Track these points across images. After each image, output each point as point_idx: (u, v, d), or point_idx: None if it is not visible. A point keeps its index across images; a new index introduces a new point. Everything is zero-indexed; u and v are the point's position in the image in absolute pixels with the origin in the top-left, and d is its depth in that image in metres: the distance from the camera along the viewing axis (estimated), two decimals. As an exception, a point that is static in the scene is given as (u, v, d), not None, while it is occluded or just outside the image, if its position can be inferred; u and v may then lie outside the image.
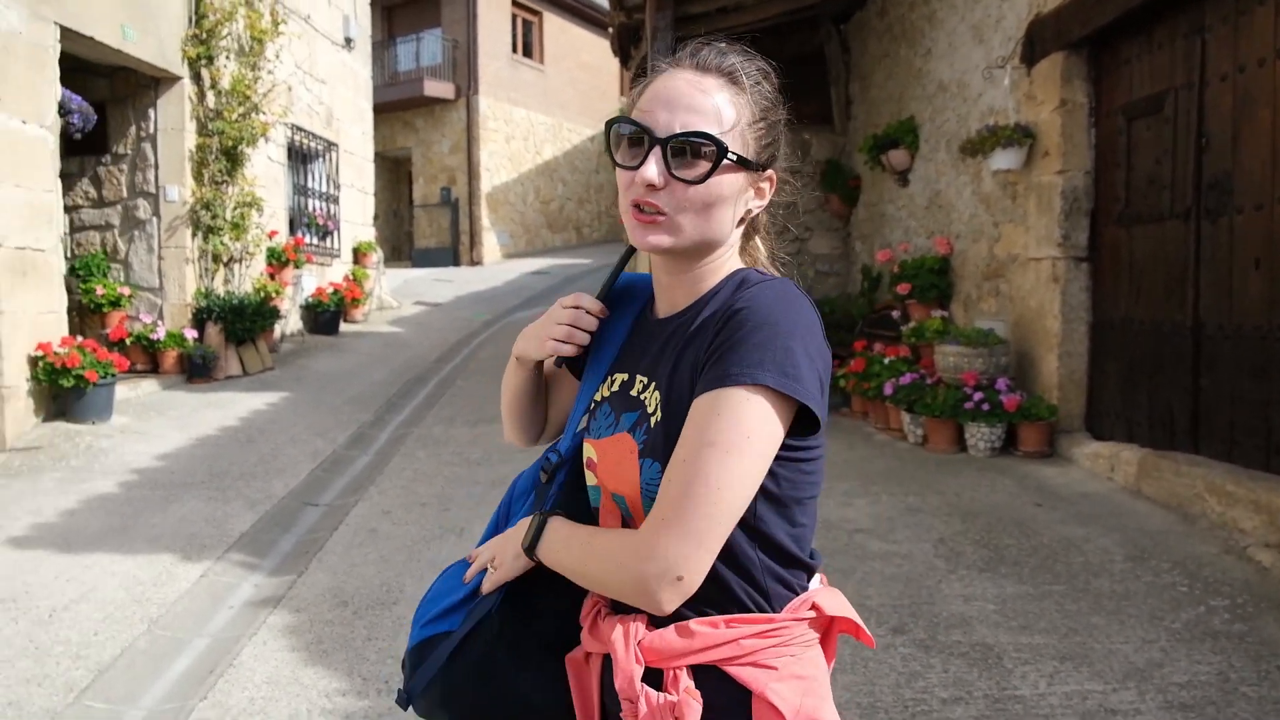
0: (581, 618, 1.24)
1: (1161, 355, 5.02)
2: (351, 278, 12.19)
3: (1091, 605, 3.63)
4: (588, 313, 1.27)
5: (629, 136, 1.14)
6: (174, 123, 8.52)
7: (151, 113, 8.50)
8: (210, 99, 8.74)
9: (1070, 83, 5.66)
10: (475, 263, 20.25)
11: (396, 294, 14.60)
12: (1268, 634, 3.35)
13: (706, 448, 1.01)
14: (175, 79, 8.45)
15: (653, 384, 1.16)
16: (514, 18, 21.29)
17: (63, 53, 6.92)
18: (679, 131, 1.09)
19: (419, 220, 21.46)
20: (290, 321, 10.63)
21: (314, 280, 11.34)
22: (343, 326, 11.56)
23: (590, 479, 1.23)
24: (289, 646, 3.49)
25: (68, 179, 8.37)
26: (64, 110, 6.88)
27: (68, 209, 8.60)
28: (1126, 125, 5.33)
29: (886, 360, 6.92)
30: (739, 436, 1.01)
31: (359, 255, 12.90)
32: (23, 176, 6.41)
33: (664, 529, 1.02)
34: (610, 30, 9.65)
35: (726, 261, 1.20)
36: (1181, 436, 4.88)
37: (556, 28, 22.59)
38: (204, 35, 8.55)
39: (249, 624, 3.72)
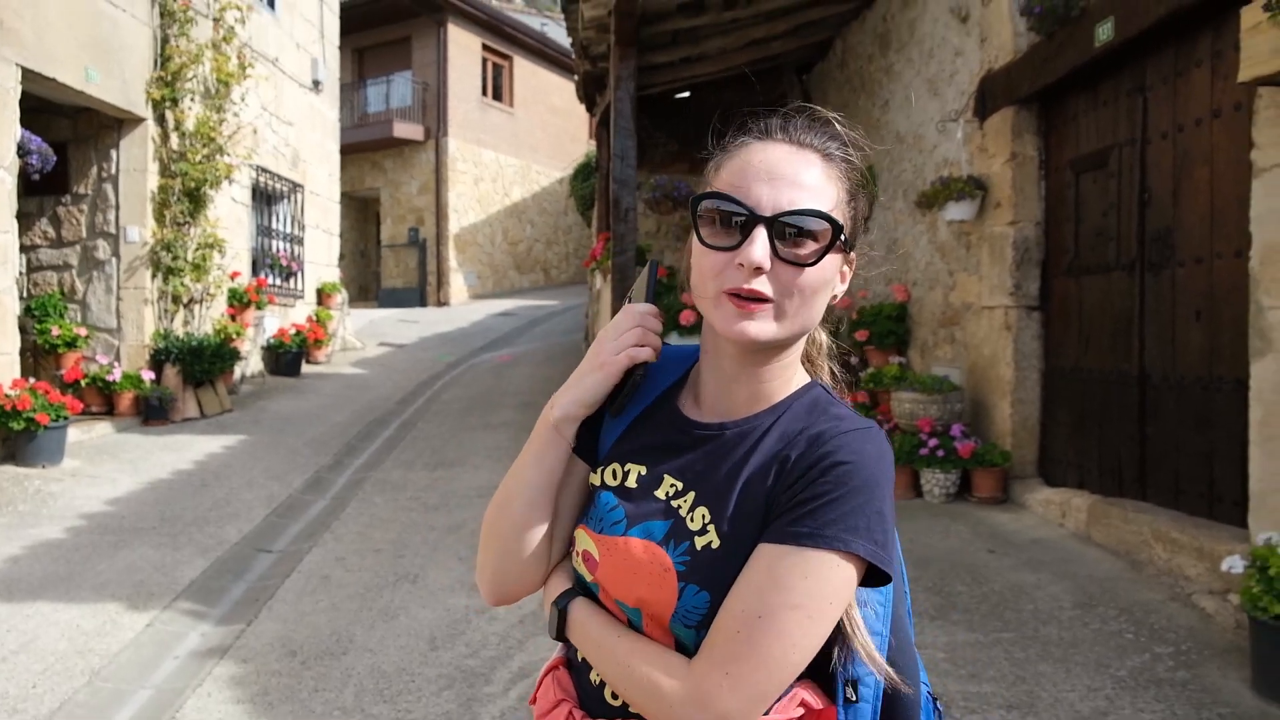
0: (537, 697, 1.18)
1: (1110, 404, 5.12)
2: (315, 319, 12.14)
3: (1040, 653, 3.67)
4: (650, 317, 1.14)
5: (723, 214, 1.03)
6: (136, 164, 8.49)
7: (114, 153, 8.48)
8: (174, 140, 8.73)
9: (1021, 137, 5.80)
10: (442, 303, 20.25)
11: (361, 334, 14.55)
12: (1210, 681, 3.39)
13: (790, 610, 0.95)
14: (139, 120, 8.44)
15: (693, 496, 1.07)
16: (484, 61, 21.52)
17: (24, 93, 6.90)
18: (790, 209, 1.01)
19: (386, 260, 21.45)
20: (251, 363, 10.54)
21: (276, 321, 11.28)
22: (305, 368, 11.48)
23: (582, 572, 1.12)
24: (234, 699, 3.44)
25: (26, 218, 8.32)
26: (23, 151, 6.84)
27: (25, 248, 8.53)
28: (1075, 179, 5.47)
29: (845, 406, 6.98)
30: (823, 603, 0.96)
31: (323, 296, 12.86)
32: (-22, 217, 6.37)
33: (728, 685, 0.95)
34: (576, 78, 9.78)
35: (795, 360, 1.13)
36: (1130, 484, 4.96)
37: (527, 71, 22.84)
38: (169, 78, 8.56)
39: (194, 675, 3.66)
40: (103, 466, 6.80)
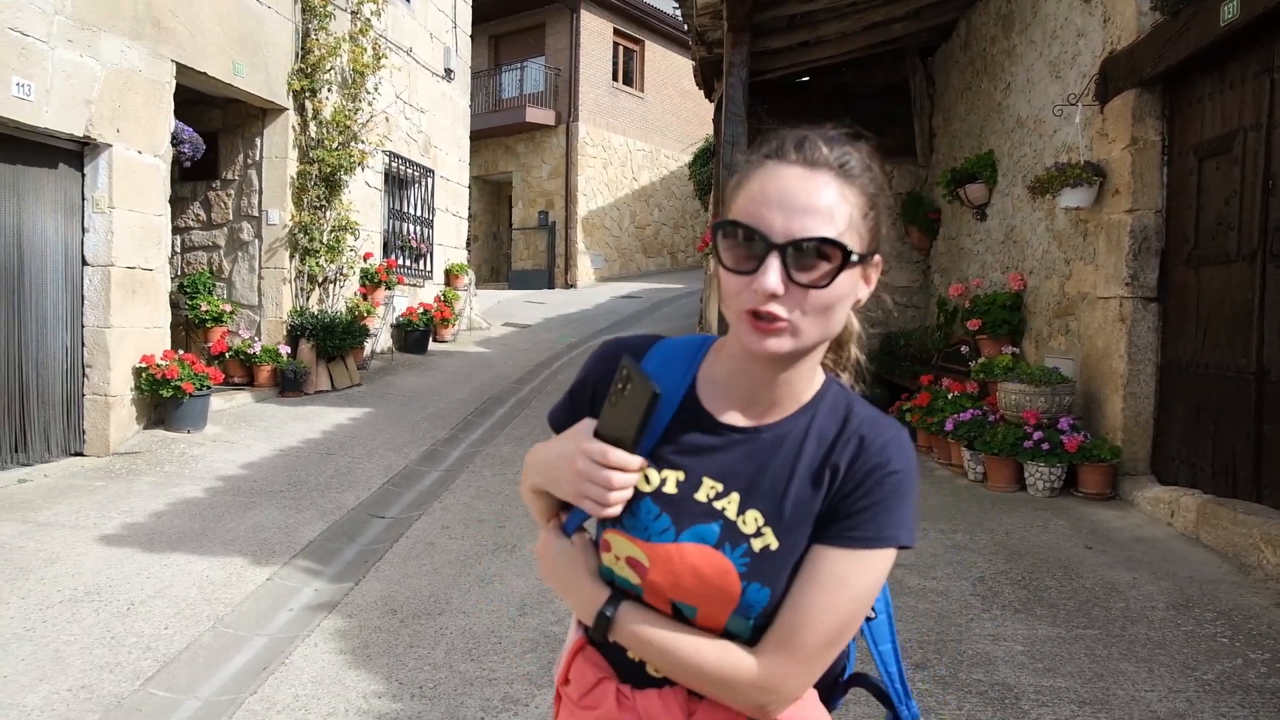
0: (565, 674, 1.27)
1: (1226, 400, 4.90)
2: (442, 298, 12.65)
3: (1123, 651, 3.59)
4: (625, 471, 1.13)
5: (739, 240, 1.08)
6: (278, 151, 9.07)
7: (258, 141, 9.08)
8: (312, 129, 9.27)
9: (1142, 121, 5.58)
10: (570, 285, 20.69)
11: (487, 315, 15.05)
12: (1304, 691, 3.27)
13: (851, 603, 1.09)
14: (281, 110, 9.00)
15: (737, 498, 1.15)
16: (616, 46, 21.79)
17: (178, 85, 7.48)
18: (800, 238, 1.05)
19: (517, 242, 22.05)
20: (380, 340, 11.11)
21: (405, 300, 11.83)
22: (431, 346, 12.00)
23: (626, 575, 1.17)
24: (337, 649, 3.72)
25: (180, 202, 9.00)
26: (176, 140, 7.42)
27: (179, 230, 9.23)
28: (1198, 165, 5.24)
29: (950, 395, 6.89)
30: (874, 591, 1.11)
31: (451, 277, 13.37)
32: (136, 201, 6.95)
33: (799, 672, 1.09)
34: (694, 64, 9.86)
35: (817, 362, 1.19)
36: (1244, 484, 4.75)
37: (658, 55, 22.99)
38: (309, 69, 9.09)
39: (304, 626, 3.97)
40: (240, 433, 7.34)
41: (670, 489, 1.17)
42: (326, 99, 9.35)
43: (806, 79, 9.98)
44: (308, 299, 9.43)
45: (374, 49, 10.00)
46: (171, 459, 6.50)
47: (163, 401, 7.06)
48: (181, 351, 7.46)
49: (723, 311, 1.13)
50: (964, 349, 7.68)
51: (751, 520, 1.13)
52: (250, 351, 8.72)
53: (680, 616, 1.15)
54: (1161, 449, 5.56)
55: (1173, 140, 5.53)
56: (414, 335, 11.56)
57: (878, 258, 1.16)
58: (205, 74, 7.77)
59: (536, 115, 20.43)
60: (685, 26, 8.85)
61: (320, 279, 9.51)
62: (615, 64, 21.83)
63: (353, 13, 9.82)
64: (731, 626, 1.13)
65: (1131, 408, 5.63)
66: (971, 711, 3.13)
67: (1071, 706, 3.17)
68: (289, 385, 8.82)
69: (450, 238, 13.55)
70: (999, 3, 7.86)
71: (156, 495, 5.67)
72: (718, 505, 1.14)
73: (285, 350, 8.86)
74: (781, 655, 1.09)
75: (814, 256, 1.05)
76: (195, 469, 6.29)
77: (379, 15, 10.12)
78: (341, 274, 9.81)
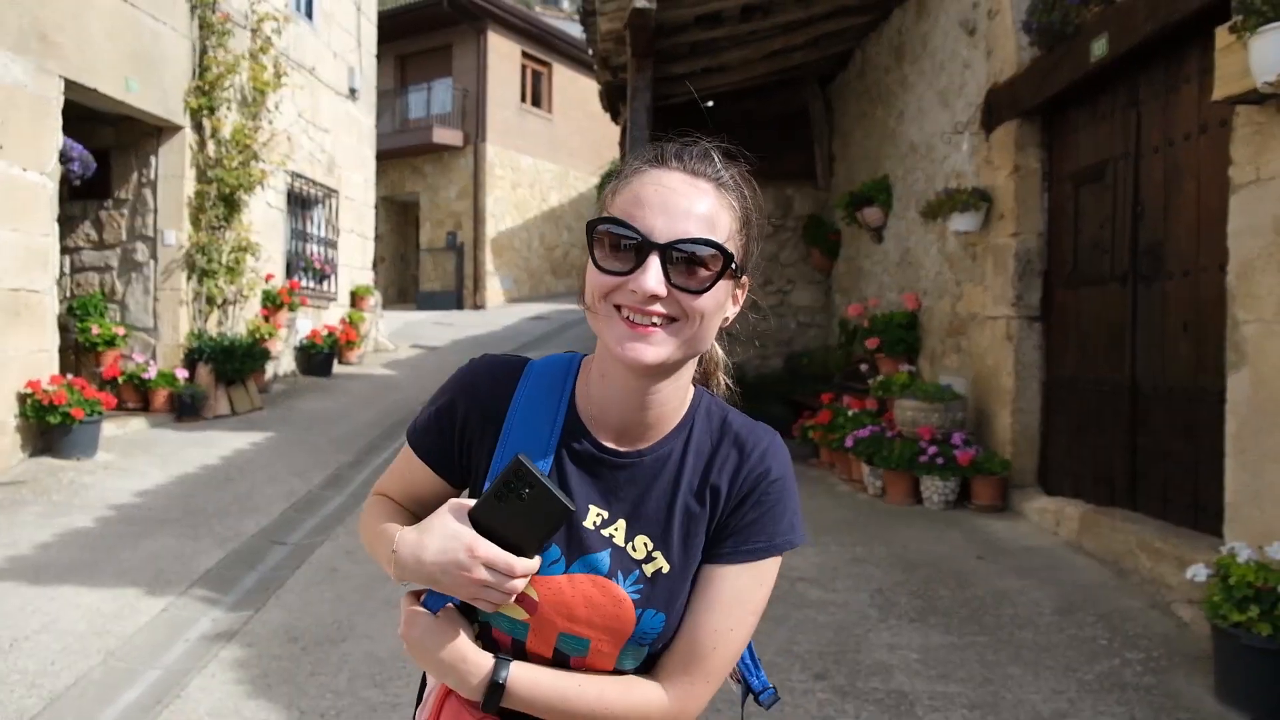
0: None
1: (1104, 414, 5.18)
2: (347, 321, 12.44)
3: (1011, 656, 3.76)
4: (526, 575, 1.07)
5: (617, 239, 1.04)
6: (174, 170, 8.83)
7: (153, 160, 8.82)
8: (211, 147, 9.06)
9: (1024, 149, 5.88)
10: (478, 306, 20.56)
11: (395, 336, 14.86)
12: (1175, 687, 3.47)
13: (750, 615, 1.11)
14: (177, 128, 8.77)
15: (624, 524, 1.12)
16: (524, 68, 21.82)
17: (68, 102, 7.23)
18: (683, 239, 1.03)
19: (425, 264, 21.82)
20: (283, 363, 10.86)
21: (309, 323, 11.60)
22: (336, 368, 11.79)
23: (513, 614, 1.11)
24: (235, 679, 3.64)
25: (70, 222, 8.68)
26: (65, 158, 7.17)
27: (69, 250, 8.90)
28: (1074, 191, 5.53)
29: (850, 413, 7.09)
30: (766, 599, 1.14)
31: (356, 299, 13.17)
32: (20, 221, 6.69)
33: (705, 691, 1.10)
34: (600, 88, 9.97)
35: (689, 378, 1.17)
36: (1121, 493, 5.02)
37: (566, 78, 23.10)
38: (207, 87, 8.88)
39: (201, 657, 3.87)
40: (134, 460, 7.10)
41: None
42: (226, 117, 9.15)
43: (710, 104, 10.18)
44: (206, 321, 9.17)
45: (275, 67, 9.83)
46: (60, 488, 6.25)
47: (50, 428, 6.78)
48: (71, 376, 7.19)
49: (590, 318, 1.09)
50: (864, 367, 7.92)
51: (641, 546, 1.11)
52: (145, 376, 8.44)
53: (562, 657, 1.11)
54: (1048, 461, 5.83)
55: (1053, 168, 5.83)
56: (318, 358, 11.33)
57: (746, 278, 1.15)
58: (96, 90, 7.53)
59: (444, 136, 20.30)
60: (589, 51, 8.95)
61: (219, 301, 9.27)
62: (524, 85, 21.86)
63: (253, 30, 9.65)
64: (624, 656, 1.11)
65: (1019, 422, 5.89)
66: (869, 719, 3.24)
67: (963, 711, 3.30)
68: (186, 410, 8.56)
69: (356, 259, 13.35)
70: (892, 34, 8.18)
71: (43, 526, 5.45)
72: (605, 532, 1.12)
73: (182, 374, 8.60)
74: (691, 680, 1.09)
75: (695, 261, 1.03)
76: (86, 498, 6.06)
77: (280, 34, 9.96)
78: (241, 295, 9.58)
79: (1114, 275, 5.09)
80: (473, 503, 1.06)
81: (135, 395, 8.55)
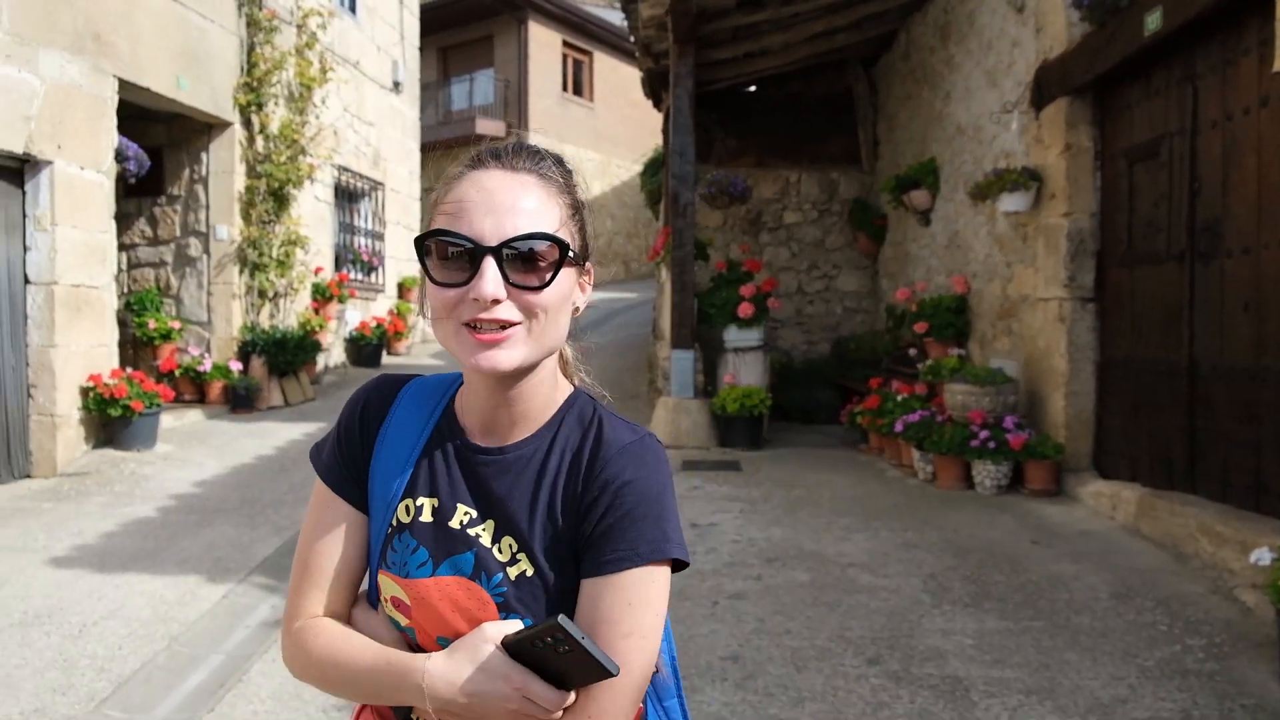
0: None
1: (1160, 395, 5.08)
2: (395, 312, 12.59)
3: (1068, 641, 3.71)
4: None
5: (448, 250, 1.02)
6: (225, 166, 8.98)
7: (204, 156, 8.99)
8: (259, 143, 9.20)
9: (1075, 127, 5.76)
10: (523, 296, 20.64)
11: (441, 327, 14.98)
12: (1238, 674, 3.40)
13: (624, 639, 1.00)
14: (226, 124, 8.92)
15: (492, 524, 1.09)
16: (565, 57, 21.84)
17: (121, 101, 7.39)
18: (514, 235, 1.00)
19: (468, 255, 21.95)
20: (333, 354, 11.03)
21: (358, 314, 11.76)
22: (385, 359, 11.94)
23: (397, 618, 1.11)
24: (295, 664, 3.71)
25: (126, 219, 8.88)
26: (120, 156, 7.33)
27: (125, 247, 9.10)
28: (1128, 169, 5.42)
29: (899, 398, 7.03)
30: (653, 620, 1.03)
31: (404, 290, 13.32)
32: (80, 219, 6.85)
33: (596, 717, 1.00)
34: (641, 75, 9.95)
35: (555, 372, 1.15)
36: (1180, 476, 4.92)
37: (607, 66, 23.08)
38: (255, 83, 9.02)
39: (262, 642, 3.95)
40: (192, 451, 7.26)
41: (426, 517, 1.11)
42: (273, 113, 9.29)
43: (753, 89, 10.12)
44: (258, 314, 9.34)
45: (321, 62, 9.96)
46: (122, 478, 6.41)
47: (111, 421, 6.95)
48: (130, 370, 7.36)
49: (437, 335, 1.07)
50: (912, 352, 7.84)
51: (506, 547, 1.07)
52: (200, 369, 8.62)
53: None
54: (1103, 444, 5.73)
55: (1105, 145, 5.71)
56: (367, 349, 11.48)
57: (589, 265, 1.13)
58: (148, 89, 7.68)
59: (486, 126, 20.39)
60: (632, 38, 8.95)
61: (271, 294, 9.43)
62: (565, 74, 21.89)
63: (298, 26, 9.77)
64: None
65: (1073, 405, 5.80)
66: (924, 705, 3.22)
67: (1019, 696, 3.27)
68: (241, 402, 8.73)
69: (402, 250, 13.49)
70: (937, 14, 8.06)
71: (107, 515, 5.60)
72: (472, 532, 1.08)
73: (236, 367, 8.77)
74: (582, 710, 1.00)
75: (530, 257, 1.01)
76: (146, 488, 6.21)
77: (325, 28, 10.08)
78: (292, 289, 9.74)
79: (1170, 254, 4.98)
80: (506, 626, 1.02)
81: (191, 388, 8.74)
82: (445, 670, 1.00)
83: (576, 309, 1.12)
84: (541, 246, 1.02)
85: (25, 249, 6.59)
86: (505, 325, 1.01)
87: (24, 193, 6.57)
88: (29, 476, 6.57)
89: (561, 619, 0.94)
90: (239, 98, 8.93)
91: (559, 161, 1.11)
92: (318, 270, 10.38)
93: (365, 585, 1.19)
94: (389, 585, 1.11)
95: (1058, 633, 3.79)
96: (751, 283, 7.96)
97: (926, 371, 7.05)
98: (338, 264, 11.46)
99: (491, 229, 1.00)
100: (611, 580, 1.02)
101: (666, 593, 1.06)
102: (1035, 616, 3.96)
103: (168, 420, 7.68)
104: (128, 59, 7.40)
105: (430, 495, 1.12)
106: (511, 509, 1.08)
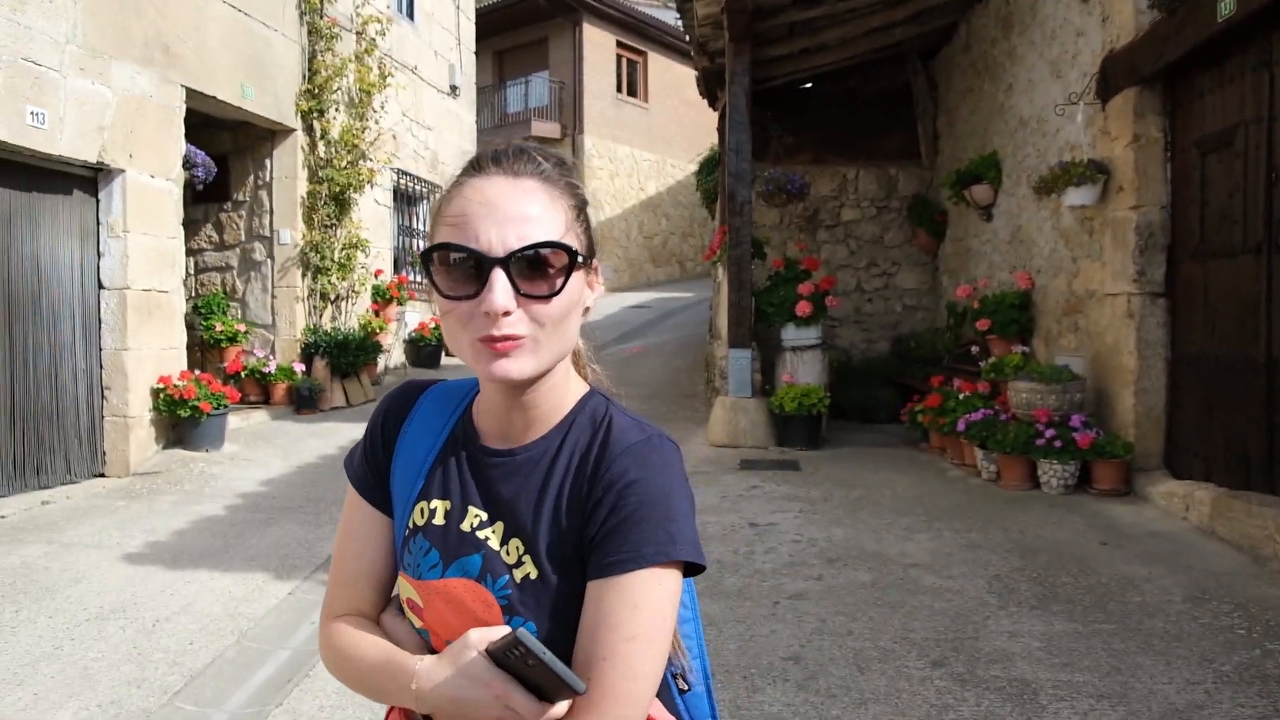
0: None
1: (1236, 391, 4.92)
2: (453, 313, 12.71)
3: (1141, 645, 3.61)
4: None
5: (455, 263, 1.01)
6: (287, 171, 9.17)
7: (268, 162, 9.18)
8: (321, 148, 9.37)
9: (1144, 118, 5.61)
10: (578, 297, 20.74)
11: (498, 328, 15.11)
12: (1322, 680, 3.28)
13: (627, 643, 0.97)
14: (289, 131, 9.10)
15: (501, 526, 1.08)
16: (619, 58, 21.90)
17: (189, 110, 7.58)
18: (520, 246, 0.99)
19: (525, 256, 22.11)
20: (394, 355, 11.19)
21: (418, 316, 11.91)
22: (444, 360, 12.07)
23: (412, 620, 1.12)
24: (360, 660, 3.76)
25: (193, 225, 9.11)
26: (188, 164, 7.52)
27: (192, 252, 9.34)
28: (1200, 160, 5.26)
29: (961, 396, 6.92)
30: (659, 623, 0.99)
31: (461, 292, 13.44)
32: (150, 225, 7.05)
33: None
34: (697, 74, 9.93)
35: (568, 373, 1.13)
36: (1258, 475, 4.76)
37: (661, 66, 23.09)
38: (316, 90, 9.19)
39: (327, 639, 4.02)
40: (258, 451, 7.41)
41: (439, 519, 1.11)
42: (334, 118, 9.46)
43: (809, 85, 10.04)
44: (321, 317, 9.52)
45: (380, 68, 10.11)
46: (191, 478, 6.58)
47: (180, 421, 7.14)
48: (198, 372, 7.54)
49: (450, 346, 1.06)
50: (974, 349, 7.70)
51: (513, 549, 1.06)
52: (265, 370, 8.80)
53: None
54: (1174, 443, 5.57)
55: (1175, 136, 5.55)
56: (426, 350, 11.63)
57: (596, 262, 1.12)
58: (215, 97, 7.87)
59: (542, 128, 20.52)
60: (687, 37, 8.93)
61: (332, 296, 9.60)
62: (619, 75, 21.94)
63: (358, 33, 9.93)
64: None
65: (1143, 403, 5.65)
66: (990, 708, 3.16)
67: (1090, 700, 3.19)
68: (304, 402, 8.90)
69: (459, 252, 13.63)
70: (998, 5, 7.91)
71: (177, 514, 5.74)
72: (481, 535, 1.07)
73: (300, 368, 8.94)
74: (586, 717, 0.97)
75: (540, 265, 1.00)
76: (215, 487, 6.36)
77: (384, 35, 10.24)
78: (353, 291, 9.90)
79: (1246, 246, 4.83)
80: (491, 633, 0.99)
81: (257, 389, 8.93)
82: (432, 673, 1.01)
83: (587, 309, 1.11)
84: (549, 254, 1.00)
85: (99, 255, 6.80)
86: (515, 338, 1.00)
87: (97, 201, 6.78)
88: (103, 475, 6.77)
89: (520, 632, 0.92)
90: (301, 104, 9.11)
91: (560, 162, 1.10)
92: (378, 273, 10.54)
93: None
94: (405, 587, 1.12)
95: (1130, 636, 3.69)
96: (809, 281, 7.90)
97: (989, 369, 6.92)
98: (397, 266, 11.62)
99: (498, 239, 0.99)
100: (615, 583, 0.99)
101: (676, 597, 1.02)
102: (1106, 619, 3.87)
103: (234, 421, 7.85)
104: (195, 69, 7.58)
105: (443, 498, 1.12)
106: (519, 511, 1.07)
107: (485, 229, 0.99)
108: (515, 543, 1.06)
